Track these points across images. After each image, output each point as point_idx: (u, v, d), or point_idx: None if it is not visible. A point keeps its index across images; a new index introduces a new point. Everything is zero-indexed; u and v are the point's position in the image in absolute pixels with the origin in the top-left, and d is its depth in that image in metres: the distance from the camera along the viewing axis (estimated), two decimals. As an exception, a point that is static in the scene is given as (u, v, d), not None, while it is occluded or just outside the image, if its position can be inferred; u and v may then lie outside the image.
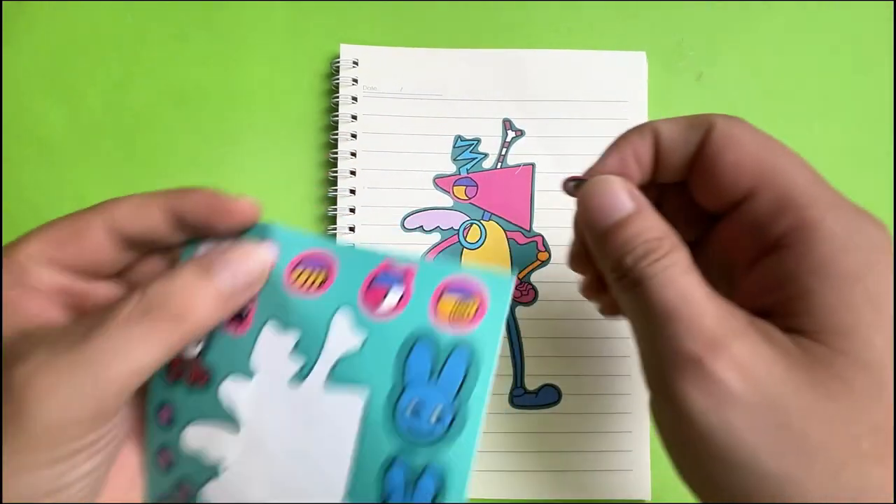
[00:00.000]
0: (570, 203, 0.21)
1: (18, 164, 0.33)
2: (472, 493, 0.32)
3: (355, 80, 0.33)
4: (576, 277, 0.25)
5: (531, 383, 0.32)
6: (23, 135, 0.33)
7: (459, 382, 0.18)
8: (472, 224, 0.33)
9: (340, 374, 0.19)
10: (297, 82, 0.34)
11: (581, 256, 0.23)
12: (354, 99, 0.33)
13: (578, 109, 0.33)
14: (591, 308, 0.26)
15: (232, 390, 0.20)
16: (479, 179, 0.33)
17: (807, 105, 0.34)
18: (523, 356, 0.32)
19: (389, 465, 0.18)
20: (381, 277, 0.19)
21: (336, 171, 0.33)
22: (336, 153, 0.33)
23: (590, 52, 0.34)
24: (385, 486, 0.18)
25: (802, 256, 0.17)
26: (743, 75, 0.34)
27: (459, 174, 0.33)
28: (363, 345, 0.19)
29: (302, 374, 0.19)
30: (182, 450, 0.21)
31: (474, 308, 0.19)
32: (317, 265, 0.20)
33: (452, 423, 0.18)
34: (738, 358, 0.16)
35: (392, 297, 0.19)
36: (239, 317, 0.20)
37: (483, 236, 0.33)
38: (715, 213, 0.20)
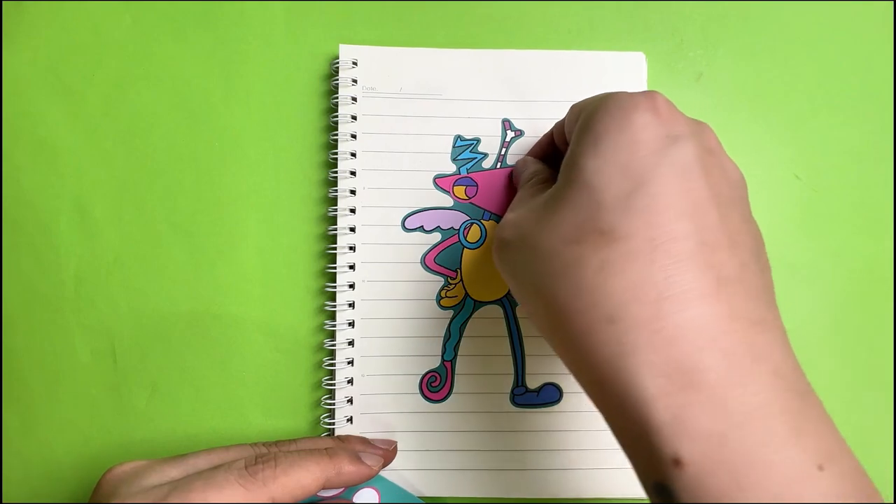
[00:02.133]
0: None
1: (18, 164, 0.33)
2: (473, 492, 0.32)
3: (355, 81, 0.33)
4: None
5: (532, 382, 0.32)
6: (23, 135, 0.33)
7: None
8: (472, 224, 0.33)
9: None
10: (296, 83, 0.34)
11: None
12: (354, 99, 0.33)
13: (578, 109, 0.33)
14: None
15: None
16: (479, 179, 0.33)
17: (807, 105, 0.35)
18: (524, 355, 0.32)
19: None
20: None
21: (336, 172, 0.33)
22: (336, 154, 0.33)
23: (589, 53, 0.34)
24: None
25: (575, 136, 0.24)
26: (743, 75, 0.35)
27: (459, 174, 0.33)
28: None
29: None
30: None
31: None
32: None
33: None
34: (509, 220, 0.25)
35: None
36: None
37: (483, 236, 0.33)
38: None
